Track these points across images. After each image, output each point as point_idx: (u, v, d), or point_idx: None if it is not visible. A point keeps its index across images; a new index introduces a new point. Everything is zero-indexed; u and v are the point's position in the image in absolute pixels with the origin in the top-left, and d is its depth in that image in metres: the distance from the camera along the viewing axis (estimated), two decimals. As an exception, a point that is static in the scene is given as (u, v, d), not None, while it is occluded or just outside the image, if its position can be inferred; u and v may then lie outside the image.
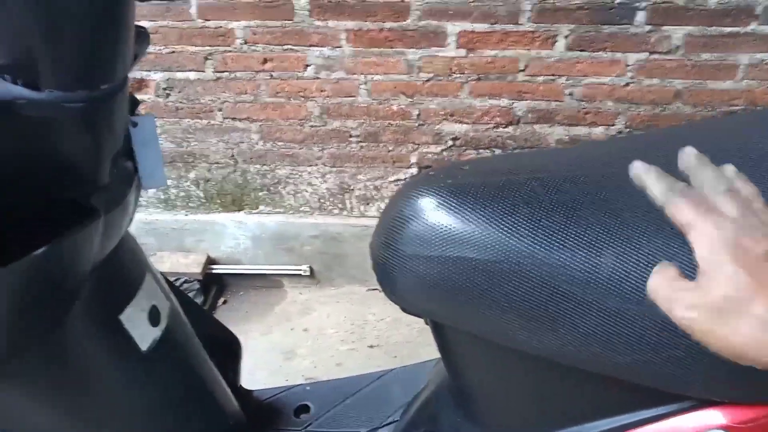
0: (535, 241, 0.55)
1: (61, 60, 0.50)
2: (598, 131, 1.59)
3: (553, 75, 1.52)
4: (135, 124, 0.68)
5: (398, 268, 0.61)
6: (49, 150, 0.56)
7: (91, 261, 0.63)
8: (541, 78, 1.52)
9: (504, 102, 1.56)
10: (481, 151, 1.64)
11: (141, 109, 0.74)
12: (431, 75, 1.54)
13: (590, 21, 1.44)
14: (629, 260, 0.52)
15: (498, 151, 1.63)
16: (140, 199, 0.69)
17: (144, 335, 0.71)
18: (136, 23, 0.60)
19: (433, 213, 0.59)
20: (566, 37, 1.46)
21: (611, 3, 1.41)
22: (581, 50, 1.48)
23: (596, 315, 0.54)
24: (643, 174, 0.43)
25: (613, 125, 1.58)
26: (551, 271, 0.54)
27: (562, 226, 0.55)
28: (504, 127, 1.60)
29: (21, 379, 0.62)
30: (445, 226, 0.58)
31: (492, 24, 1.46)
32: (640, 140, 0.79)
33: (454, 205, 0.58)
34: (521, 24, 1.45)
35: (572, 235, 0.54)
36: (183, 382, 0.81)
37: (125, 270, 0.72)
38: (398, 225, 0.61)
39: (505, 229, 0.56)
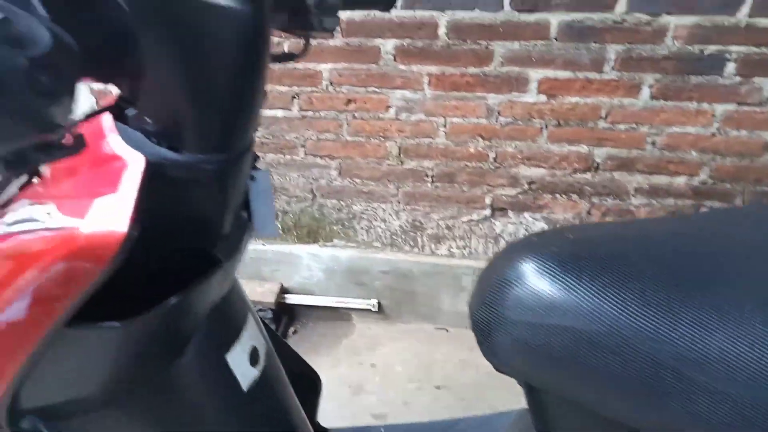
0: (642, 316, 0.55)
1: (201, 127, 0.55)
2: (681, 180, 1.55)
3: (635, 123, 1.50)
4: (253, 178, 0.73)
5: (499, 331, 0.62)
6: (184, 206, 0.61)
7: (209, 305, 0.67)
8: (622, 126, 1.51)
9: (583, 148, 1.56)
10: (557, 195, 1.63)
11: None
12: (510, 119, 1.56)
13: (677, 71, 1.42)
14: (740, 342, 0.52)
15: (575, 197, 1.62)
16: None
17: (245, 375, 0.74)
18: None
19: (537, 279, 0.60)
20: (651, 86, 1.45)
21: (699, 54, 1.39)
22: (666, 99, 1.46)
23: (703, 395, 0.53)
24: None
25: (696, 175, 1.54)
26: (658, 347, 0.54)
27: (670, 302, 0.55)
28: (582, 173, 1.59)
29: (132, 414, 0.67)
30: (550, 294, 0.59)
31: (574, 71, 1.46)
32: (738, 214, 0.78)
33: (559, 273, 0.59)
34: (605, 72, 1.45)
35: (680, 312, 0.54)
36: (277, 420, 0.84)
37: (233, 311, 0.76)
38: (501, 288, 0.62)
39: (612, 301, 0.56)
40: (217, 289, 0.67)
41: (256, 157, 0.76)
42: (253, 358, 0.76)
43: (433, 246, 1.78)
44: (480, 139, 1.60)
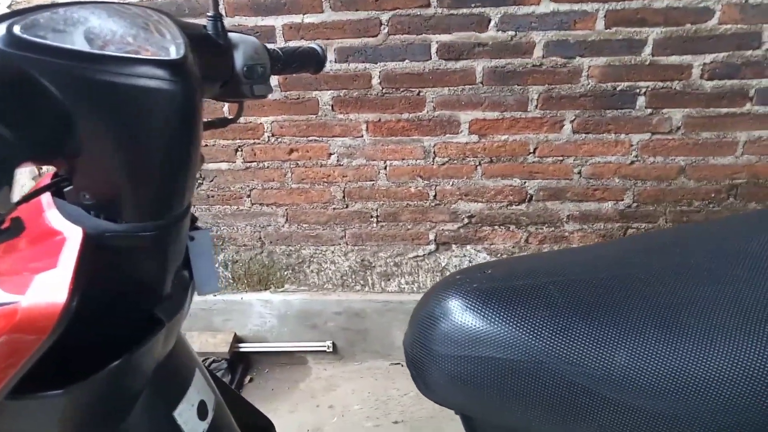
0: (555, 341, 0.61)
1: (137, 198, 0.59)
2: (608, 206, 1.66)
3: (561, 156, 1.61)
4: (192, 239, 0.76)
5: (430, 365, 0.67)
6: (125, 271, 0.64)
7: (154, 364, 0.70)
8: (550, 159, 1.62)
9: (516, 182, 1.65)
10: (496, 227, 1.71)
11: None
12: (446, 159, 1.64)
13: (594, 106, 1.54)
14: (640, 358, 0.58)
15: (512, 227, 1.71)
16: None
17: (194, 430, 0.76)
18: None
19: (460, 315, 0.66)
20: (572, 121, 1.56)
21: (612, 90, 1.52)
22: (587, 133, 1.57)
23: (613, 409, 0.59)
24: None
25: (621, 200, 1.65)
26: (570, 368, 0.60)
27: (578, 327, 0.61)
28: (517, 205, 1.68)
29: None
30: (472, 328, 0.65)
31: (501, 112, 1.56)
32: (649, 240, 0.86)
33: (479, 307, 0.65)
34: (529, 111, 1.56)
35: (588, 335, 0.61)
36: None
37: (179, 368, 0.78)
38: (429, 325, 0.68)
39: (527, 330, 0.62)
40: (160, 348, 0.69)
41: (194, 218, 0.80)
42: (201, 412, 0.78)
43: (383, 284, 1.83)
44: (419, 179, 1.67)
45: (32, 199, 0.55)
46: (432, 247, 1.76)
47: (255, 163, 1.70)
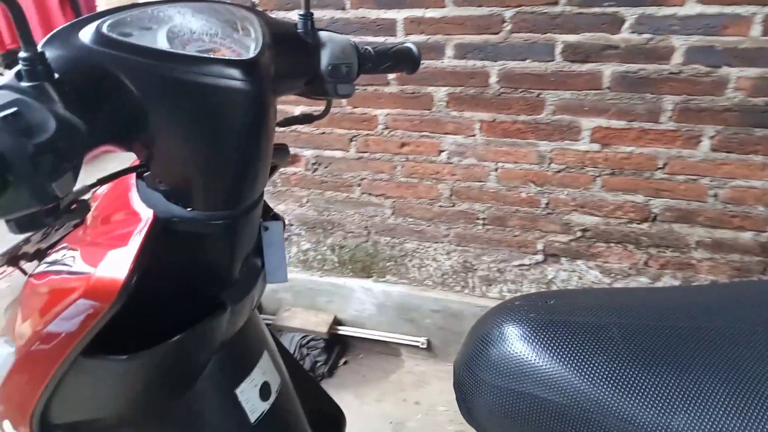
0: (607, 391, 0.55)
1: (208, 188, 0.62)
2: (747, 236, 1.47)
3: (695, 175, 1.44)
4: (266, 228, 0.79)
5: (474, 392, 0.64)
6: (193, 256, 0.68)
7: (218, 343, 0.74)
8: (681, 177, 1.46)
9: (639, 198, 1.51)
10: (612, 244, 1.59)
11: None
12: (563, 166, 1.55)
13: (739, 123, 1.36)
14: (704, 426, 0.51)
15: (631, 247, 1.57)
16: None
17: (254, 409, 0.80)
18: (278, 143, 0.72)
19: (512, 344, 0.62)
20: (711, 137, 1.39)
21: (764, 106, 1.33)
22: (728, 152, 1.40)
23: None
24: None
25: (764, 231, 1.45)
26: (620, 425, 0.54)
27: (637, 380, 0.55)
28: (638, 223, 1.54)
29: None
30: (522, 360, 0.60)
31: (629, 121, 1.44)
32: (743, 289, 0.75)
33: (532, 340, 0.61)
34: (661, 122, 1.41)
35: (646, 391, 0.54)
36: None
37: (245, 349, 0.82)
38: (479, 350, 0.64)
39: (579, 374, 0.57)
40: (225, 329, 0.73)
41: (269, 209, 0.83)
42: (264, 393, 0.82)
43: (484, 288, 1.79)
44: (532, 185, 1.60)
45: (110, 181, 0.60)
46: (539, 257, 1.68)
47: (367, 153, 1.73)
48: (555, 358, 0.59)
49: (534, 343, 0.60)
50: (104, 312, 0.57)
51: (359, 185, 1.78)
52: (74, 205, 0.51)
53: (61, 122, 0.46)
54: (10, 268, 0.80)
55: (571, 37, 1.40)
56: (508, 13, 1.42)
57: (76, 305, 0.60)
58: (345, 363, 1.93)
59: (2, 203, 0.46)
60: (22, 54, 0.46)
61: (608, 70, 1.40)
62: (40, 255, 0.79)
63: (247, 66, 0.56)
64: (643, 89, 1.39)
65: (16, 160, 0.44)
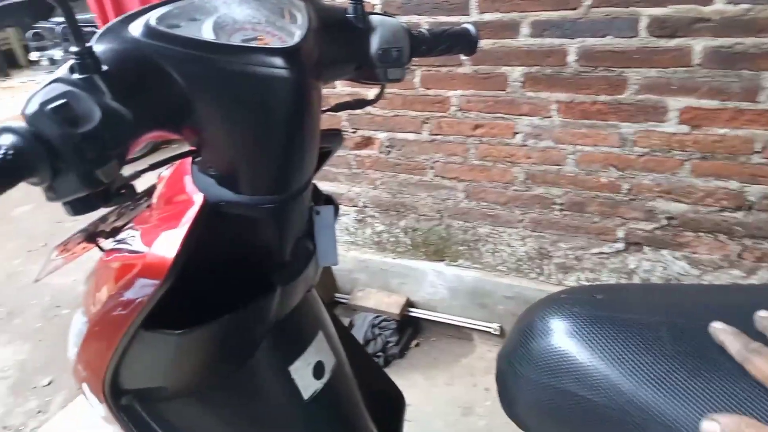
0: (652, 395, 0.52)
1: (256, 173, 0.64)
2: None
3: (799, 159, 1.31)
4: (318, 213, 0.81)
5: (515, 386, 0.62)
6: (243, 238, 0.71)
7: (270, 321, 0.77)
8: (783, 161, 1.32)
9: (733, 184, 1.39)
10: (701, 234, 1.48)
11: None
12: (647, 150, 1.45)
13: None
14: None
15: (722, 237, 1.45)
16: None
17: (307, 386, 0.83)
18: (332, 128, 0.73)
19: (555, 338, 0.59)
20: (821, 117, 1.25)
21: None
22: (841, 133, 1.25)
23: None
24: (721, 333, 0.48)
25: None
26: (664, 429, 0.50)
27: (685, 384, 0.51)
28: (732, 212, 1.42)
29: (205, 407, 0.79)
30: (564, 356, 0.58)
31: (722, 101, 1.32)
32: None
33: (576, 335, 0.58)
34: (759, 102, 1.28)
35: (693, 397, 0.50)
36: (338, 429, 0.92)
37: (300, 328, 0.85)
38: (522, 342, 0.63)
39: (622, 374, 0.54)
40: (276, 309, 0.76)
41: (322, 194, 0.84)
42: (317, 372, 0.84)
43: (560, 276, 1.72)
44: (612, 169, 1.51)
45: (162, 166, 0.64)
46: (620, 245, 1.59)
47: (440, 136, 1.71)
48: (598, 355, 0.56)
49: (577, 339, 0.57)
50: (156, 289, 0.61)
51: (432, 168, 1.77)
52: (123, 190, 0.55)
53: (106, 112, 0.49)
54: (90, 245, 0.87)
55: (657, 11, 1.29)
56: (589, -13, 1.34)
57: (134, 282, 0.64)
58: (417, 345, 1.94)
59: (56, 187, 0.50)
60: (72, 48, 0.49)
61: (699, 45, 1.29)
62: (114, 233, 0.85)
63: (288, 54, 0.57)
64: (739, 65, 1.27)
65: (64, 148, 0.47)
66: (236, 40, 0.58)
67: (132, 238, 0.71)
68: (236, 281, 0.72)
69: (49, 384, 2.06)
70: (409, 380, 1.80)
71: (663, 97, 1.38)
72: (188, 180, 0.68)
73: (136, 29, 0.56)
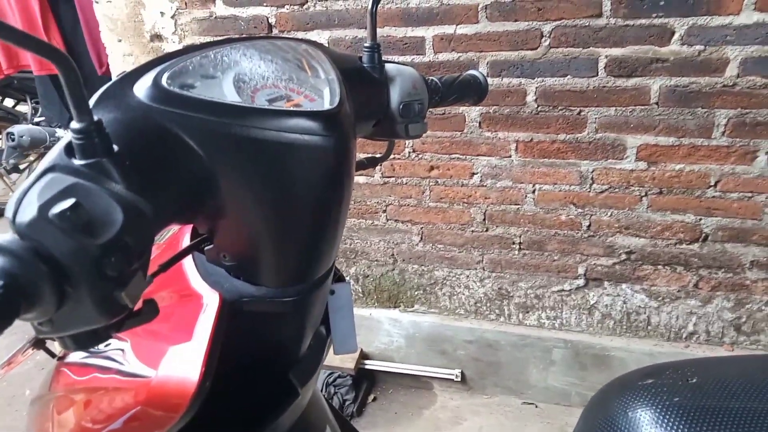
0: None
1: (280, 261, 0.52)
2: (806, 254, 1.38)
3: (750, 192, 1.36)
4: (332, 292, 0.69)
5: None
6: (261, 336, 0.58)
7: (286, 426, 0.63)
8: (735, 194, 1.37)
9: (689, 218, 1.42)
10: (660, 266, 1.49)
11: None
12: (606, 187, 1.45)
13: (800, 136, 1.27)
14: None
15: (680, 269, 1.48)
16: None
17: None
18: None
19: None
20: (768, 152, 1.31)
21: (828, 118, 1.24)
22: (787, 167, 1.31)
23: None
24: None
25: (825, 249, 1.37)
26: None
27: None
28: (688, 244, 1.45)
29: None
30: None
31: (679, 137, 1.35)
32: None
33: (682, 432, 0.50)
34: (713, 138, 1.32)
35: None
36: None
37: (310, 427, 0.71)
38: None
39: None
40: (293, 413, 0.63)
41: (336, 271, 0.72)
42: None
43: (520, 316, 1.69)
44: (572, 207, 1.50)
45: (173, 264, 0.50)
46: (580, 282, 1.58)
47: (393, 178, 1.62)
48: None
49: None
50: (173, 424, 0.47)
51: (384, 211, 1.68)
52: (137, 306, 0.41)
53: (127, 210, 0.36)
54: (35, 350, 0.69)
55: (616, 51, 1.31)
56: (547, 27, 1.33)
57: (136, 415, 0.49)
58: (374, 399, 1.82)
59: (56, 320, 0.35)
60: (74, 125, 0.36)
61: (656, 84, 1.31)
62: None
63: (328, 118, 0.47)
64: (694, 104, 1.31)
65: (77, 268, 0.33)
66: (261, 100, 0.47)
67: (118, 352, 0.55)
68: (247, 385, 0.58)
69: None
70: (372, 440, 1.67)
71: (621, 135, 1.39)
72: (191, 273, 0.54)
73: (142, 91, 0.43)
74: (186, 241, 0.58)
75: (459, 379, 1.76)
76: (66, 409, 0.62)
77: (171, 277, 0.55)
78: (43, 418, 0.66)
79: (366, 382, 1.84)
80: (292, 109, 0.47)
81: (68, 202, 0.33)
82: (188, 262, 0.55)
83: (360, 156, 0.73)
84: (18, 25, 3.01)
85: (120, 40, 1.65)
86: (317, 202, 0.50)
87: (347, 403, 1.74)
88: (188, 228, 0.61)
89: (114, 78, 0.43)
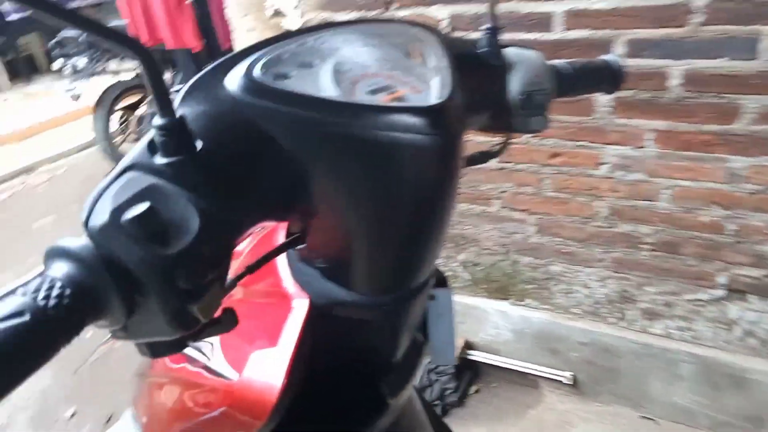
0: None
1: (376, 267, 0.49)
2: None
3: None
4: (433, 297, 0.65)
5: None
6: (349, 342, 0.55)
7: None
8: None
9: None
10: (821, 283, 1.27)
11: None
12: (761, 187, 1.25)
13: None
14: None
15: None
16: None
17: None
18: None
19: None
20: None
21: None
22: None
23: None
24: None
25: None
26: None
27: None
28: None
29: None
30: None
31: None
32: None
33: None
34: None
35: None
36: None
37: None
38: None
39: None
40: (383, 423, 0.60)
41: (438, 274, 0.68)
42: None
43: (645, 322, 1.53)
44: (716, 207, 1.31)
45: (261, 266, 0.47)
46: (720, 292, 1.39)
47: (510, 164, 1.52)
48: None
49: None
50: (261, 425, 0.46)
51: (499, 198, 1.59)
52: (219, 317, 0.39)
53: (207, 216, 0.33)
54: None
55: (787, 28, 1.10)
56: (699, 2, 1.15)
57: (220, 415, 0.49)
58: (477, 392, 1.76)
59: (130, 327, 0.34)
60: (157, 121, 0.33)
61: (839, 68, 1.09)
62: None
63: (435, 114, 0.41)
64: None
65: (147, 278, 0.31)
66: (362, 92, 0.42)
67: (208, 346, 0.55)
68: (334, 391, 0.56)
69: (72, 416, 1.93)
70: (472, 434, 1.62)
71: (786, 127, 1.18)
72: (283, 271, 0.52)
73: (233, 83, 0.39)
74: (280, 239, 0.56)
75: (570, 382, 1.65)
76: (159, 396, 0.64)
77: (264, 271, 0.53)
78: (143, 397, 0.68)
79: (469, 372, 1.78)
80: (393, 104, 0.42)
81: (142, 207, 0.31)
82: (281, 259, 0.53)
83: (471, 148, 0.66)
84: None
85: (246, 15, 1.69)
86: (419, 205, 0.45)
87: (448, 392, 1.71)
88: (283, 224, 0.59)
89: (207, 67, 0.41)
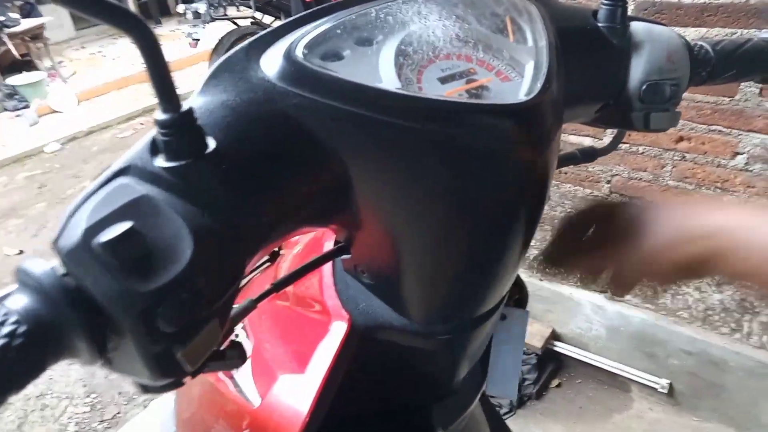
0: None
1: (431, 292, 0.40)
2: None
3: None
4: (503, 317, 0.55)
5: None
6: (398, 368, 0.47)
7: None
8: None
9: None
10: None
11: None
12: None
13: None
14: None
15: None
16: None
17: None
18: None
19: None
20: None
21: None
22: None
23: None
24: None
25: None
26: None
27: None
28: None
29: None
30: None
31: None
32: None
33: None
34: None
35: None
36: None
37: None
38: None
39: None
40: None
41: (512, 292, 0.58)
42: None
43: (765, 338, 1.34)
44: None
45: (298, 278, 0.40)
46: None
47: (627, 145, 1.35)
48: None
49: None
50: None
51: (609, 182, 1.43)
52: (224, 351, 0.32)
53: (202, 239, 0.26)
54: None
55: None
56: None
57: None
58: (558, 386, 1.64)
59: (115, 360, 0.27)
60: (158, 115, 0.26)
61: None
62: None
63: (522, 116, 0.32)
64: None
65: (120, 317, 0.24)
66: (431, 79, 0.34)
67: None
68: (379, 422, 0.48)
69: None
70: (547, 429, 1.52)
71: None
72: (327, 281, 0.44)
73: (269, 66, 0.31)
74: (328, 246, 0.48)
75: (666, 390, 1.49)
76: (188, 402, 0.61)
77: (313, 279, 0.46)
78: (184, 392, 0.65)
79: (552, 364, 1.66)
80: (469, 101, 0.33)
81: (120, 228, 0.24)
82: (327, 268, 0.45)
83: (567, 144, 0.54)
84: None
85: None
86: (494, 222, 0.36)
87: (527, 383, 1.60)
88: (323, 239, 0.51)
89: (244, 43, 0.32)
